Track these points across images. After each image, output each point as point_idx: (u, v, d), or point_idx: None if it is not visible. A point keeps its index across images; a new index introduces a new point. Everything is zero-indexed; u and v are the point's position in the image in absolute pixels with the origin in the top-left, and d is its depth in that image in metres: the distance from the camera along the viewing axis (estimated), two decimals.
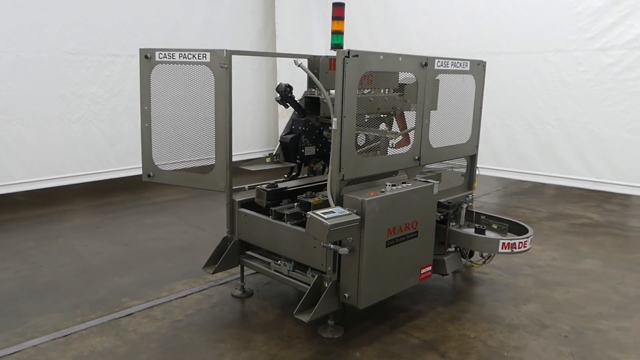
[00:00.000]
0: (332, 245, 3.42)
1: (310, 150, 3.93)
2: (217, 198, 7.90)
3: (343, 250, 3.37)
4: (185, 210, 7.13)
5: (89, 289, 4.53)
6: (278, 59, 9.59)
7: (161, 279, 4.78)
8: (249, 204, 4.28)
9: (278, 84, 3.81)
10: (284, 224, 3.87)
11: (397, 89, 4.52)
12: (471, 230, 4.38)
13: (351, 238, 3.40)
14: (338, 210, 3.27)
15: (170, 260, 5.26)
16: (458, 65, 4.32)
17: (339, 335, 3.73)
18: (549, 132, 7.25)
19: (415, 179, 3.96)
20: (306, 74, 4.25)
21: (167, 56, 4.28)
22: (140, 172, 7.83)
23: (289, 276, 3.91)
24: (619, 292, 4.55)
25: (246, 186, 4.43)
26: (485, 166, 7.26)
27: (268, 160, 3.84)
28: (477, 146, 4.80)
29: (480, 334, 3.79)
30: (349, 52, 3.32)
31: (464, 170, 4.89)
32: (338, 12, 3.38)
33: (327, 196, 3.85)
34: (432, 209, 3.92)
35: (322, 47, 10.20)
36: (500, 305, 4.27)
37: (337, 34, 3.39)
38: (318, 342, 3.66)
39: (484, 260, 4.59)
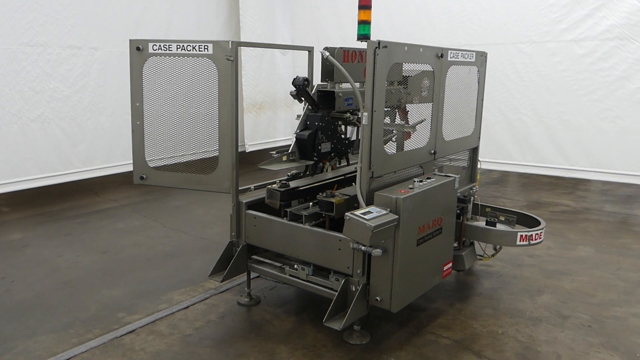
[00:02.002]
0: (363, 247, 3.24)
1: (326, 147, 3.72)
2: (188, 197, 7.54)
3: (377, 252, 3.19)
4: (159, 212, 6.70)
5: (77, 305, 4.11)
6: (243, 50, 9.22)
7: (155, 289, 4.42)
8: (255, 205, 4.01)
9: (295, 77, 3.56)
10: (302, 225, 3.64)
11: (401, 81, 4.39)
12: (482, 223, 4.32)
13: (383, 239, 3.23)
14: (375, 210, 3.08)
15: (159, 268, 4.89)
16: (466, 56, 4.23)
17: (367, 341, 3.55)
18: (524, 122, 7.36)
19: (435, 174, 3.84)
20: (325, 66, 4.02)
21: (163, 48, 3.93)
22: (107, 172, 7.53)
23: (307, 281, 3.69)
24: (620, 277, 4.65)
25: (252, 186, 4.16)
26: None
27: (284, 158, 3.59)
28: (479, 138, 4.75)
29: (507, 329, 3.74)
30: (379, 42, 3.13)
31: (462, 163, 4.84)
32: (365, 1, 3.17)
33: (346, 194, 3.67)
34: (454, 203, 3.81)
35: (287, 39, 9.94)
36: (515, 298, 4.24)
37: (364, 23, 3.19)
38: (347, 350, 3.47)
39: (493, 253, 4.55)
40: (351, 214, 3.01)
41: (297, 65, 10.04)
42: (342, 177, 4.30)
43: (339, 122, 4.06)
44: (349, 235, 3.04)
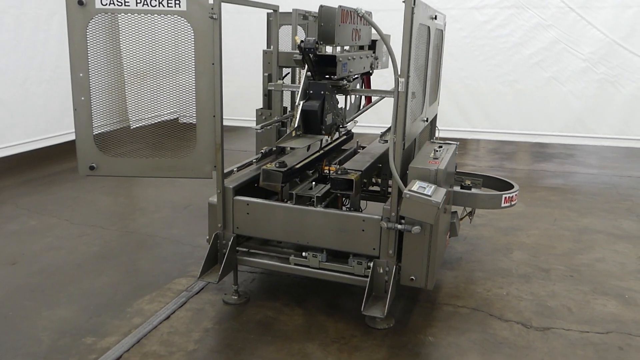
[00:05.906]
0: (399, 225, 3.00)
1: (329, 119, 3.32)
2: (79, 184, 6.36)
3: (416, 229, 2.97)
4: (54, 206, 5.57)
5: (20, 337, 3.20)
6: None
7: (112, 301, 3.65)
8: (241, 190, 3.48)
9: (303, 39, 3.07)
10: (314, 208, 3.24)
11: (370, 45, 4.15)
12: (457, 188, 4.33)
13: None
14: (426, 185, 2.84)
15: (100, 274, 4.04)
16: (442, 19, 4.13)
17: (393, 324, 3.34)
18: None
19: (436, 142, 3.71)
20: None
21: (116, 2, 3.12)
22: None
23: (320, 269, 3.33)
24: (562, 227, 5.08)
25: (234, 167, 3.60)
26: (368, 124, 7.29)
27: (294, 134, 3.12)
28: (438, 105, 4.74)
29: (508, 289, 3.82)
30: (414, 0, 2.84)
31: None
32: None
33: (357, 169, 3.37)
34: (454, 171, 3.74)
35: None
36: (492, 258, 4.37)
37: None
38: (380, 336, 3.22)
39: (463, 216, 4.60)
40: (409, 191, 2.73)
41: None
42: (322, 151, 3.97)
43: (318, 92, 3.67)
44: (409, 215, 2.78)
